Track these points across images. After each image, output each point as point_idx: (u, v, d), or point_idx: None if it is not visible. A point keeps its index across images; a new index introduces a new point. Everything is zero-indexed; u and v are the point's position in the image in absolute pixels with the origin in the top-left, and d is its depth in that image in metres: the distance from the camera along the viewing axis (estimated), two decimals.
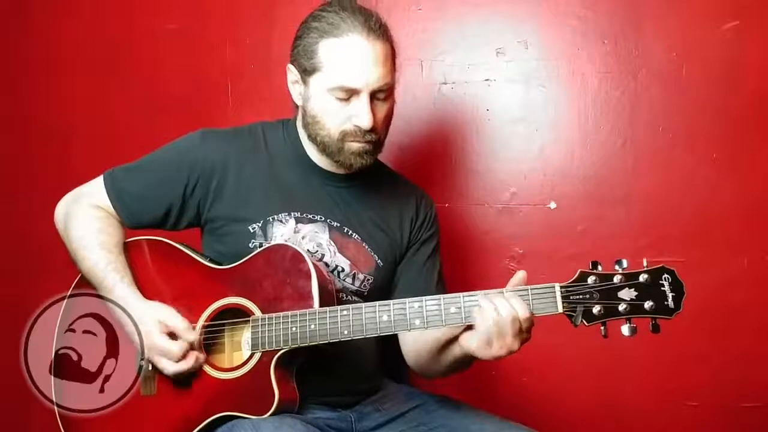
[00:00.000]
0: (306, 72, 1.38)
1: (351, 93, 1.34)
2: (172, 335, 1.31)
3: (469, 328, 1.22)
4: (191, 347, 1.31)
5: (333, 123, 1.36)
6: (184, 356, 1.30)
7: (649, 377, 1.89)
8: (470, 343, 1.21)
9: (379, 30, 1.35)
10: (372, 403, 1.46)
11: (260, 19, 2.10)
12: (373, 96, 1.35)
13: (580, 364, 1.92)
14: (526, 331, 1.18)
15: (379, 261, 1.47)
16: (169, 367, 1.30)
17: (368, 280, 1.46)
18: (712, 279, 1.81)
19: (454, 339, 1.28)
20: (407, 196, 1.56)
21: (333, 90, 1.34)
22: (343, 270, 1.44)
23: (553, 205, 1.94)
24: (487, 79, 1.97)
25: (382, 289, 1.48)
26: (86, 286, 1.42)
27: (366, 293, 1.46)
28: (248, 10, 2.12)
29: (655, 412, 1.89)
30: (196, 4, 2.18)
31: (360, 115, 1.33)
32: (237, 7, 2.14)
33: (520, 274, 1.21)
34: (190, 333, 1.31)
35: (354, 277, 1.44)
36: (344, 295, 1.44)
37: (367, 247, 1.46)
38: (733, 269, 1.83)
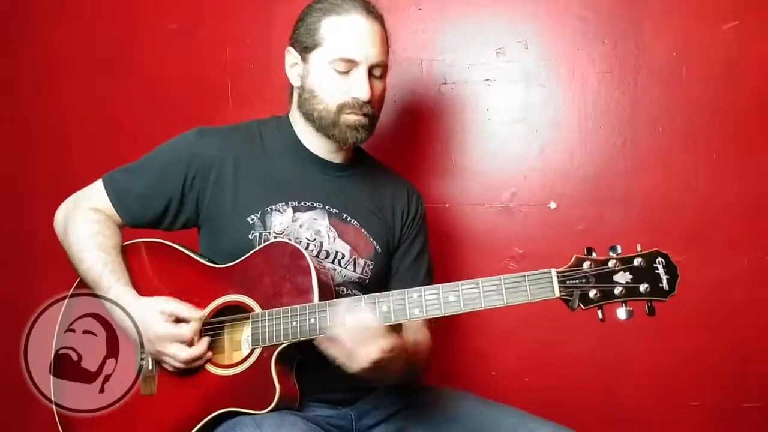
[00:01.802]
0: (306, 49, 1.44)
1: (351, 65, 1.39)
2: (177, 323, 1.30)
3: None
4: (201, 329, 1.30)
5: (331, 96, 1.41)
6: (194, 339, 1.30)
7: (650, 377, 1.89)
8: None
9: (377, 13, 1.44)
10: (372, 401, 1.46)
11: (260, 19, 2.10)
12: (370, 72, 1.41)
13: (580, 364, 1.92)
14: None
15: (377, 247, 1.49)
16: (182, 353, 1.29)
17: (369, 265, 1.47)
18: (712, 279, 1.82)
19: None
20: (399, 189, 1.59)
21: (333, 62, 1.39)
22: (343, 256, 1.44)
23: (553, 205, 1.94)
24: (487, 79, 1.97)
25: (381, 276, 1.49)
26: (86, 286, 1.42)
27: (368, 280, 1.46)
28: (248, 10, 2.13)
29: (655, 412, 1.89)
30: (196, 4, 2.18)
31: (358, 87, 1.39)
32: (236, 6, 2.14)
33: None
34: (197, 312, 1.31)
35: (355, 263, 1.45)
36: (344, 288, 1.44)
37: (365, 232, 1.48)
38: (733, 269, 1.83)
